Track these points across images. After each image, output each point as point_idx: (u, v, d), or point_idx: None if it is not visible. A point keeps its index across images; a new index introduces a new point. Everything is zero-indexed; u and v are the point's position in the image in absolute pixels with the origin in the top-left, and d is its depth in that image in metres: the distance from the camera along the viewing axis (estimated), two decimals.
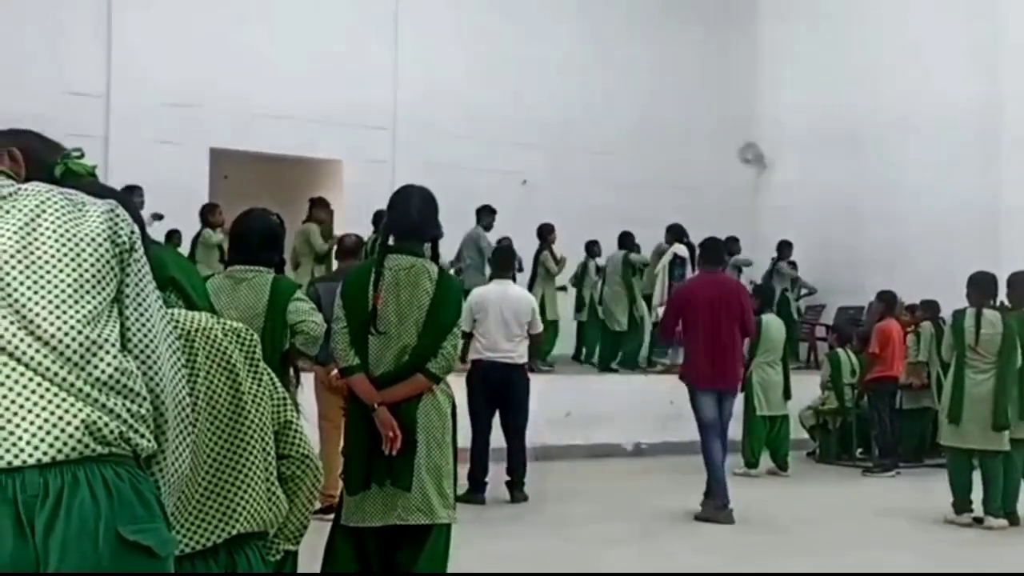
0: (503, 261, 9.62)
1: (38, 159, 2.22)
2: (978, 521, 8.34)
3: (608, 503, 9.26)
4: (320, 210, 13.22)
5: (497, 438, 9.18)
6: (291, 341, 4.57)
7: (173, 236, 13.47)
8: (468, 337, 8.76)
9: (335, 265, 13.14)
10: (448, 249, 11.81)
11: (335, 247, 9.43)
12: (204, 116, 14.23)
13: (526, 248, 14.19)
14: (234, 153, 14.85)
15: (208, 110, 14.25)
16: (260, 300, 4.58)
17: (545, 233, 14.16)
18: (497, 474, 9.14)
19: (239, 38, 14.54)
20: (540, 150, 16.30)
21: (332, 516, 7.31)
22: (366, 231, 13.27)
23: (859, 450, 12.22)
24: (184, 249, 13.00)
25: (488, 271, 12.59)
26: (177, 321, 2.24)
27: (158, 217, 12.37)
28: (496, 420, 9.14)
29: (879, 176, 16.46)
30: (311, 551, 4.69)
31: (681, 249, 13.98)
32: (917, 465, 11.57)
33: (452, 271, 13.00)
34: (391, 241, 4.61)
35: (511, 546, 7.29)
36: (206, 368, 2.24)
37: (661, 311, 13.95)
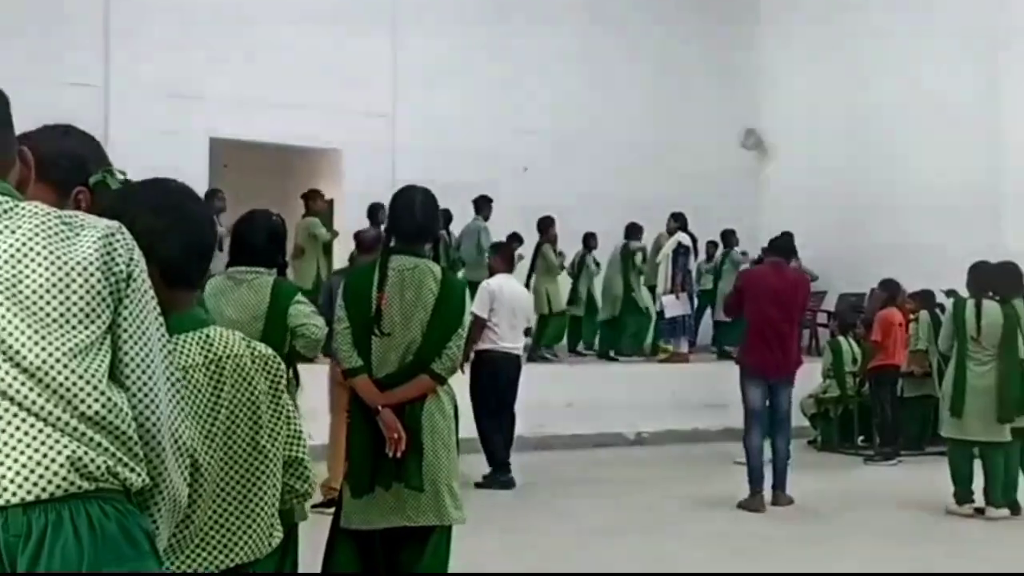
0: (507, 257, 9.86)
1: (80, 163, 2.24)
2: (979, 512, 8.34)
3: (608, 493, 9.27)
4: (315, 202, 13.23)
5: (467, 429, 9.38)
6: (291, 344, 4.57)
7: None
8: (482, 324, 9.03)
9: (336, 257, 13.20)
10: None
11: (354, 242, 9.51)
12: (204, 106, 14.19)
13: (527, 236, 14.18)
14: (234, 142, 14.80)
15: (208, 99, 14.20)
16: (261, 302, 4.57)
17: (545, 227, 14.15)
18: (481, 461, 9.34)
19: (238, 27, 14.48)
20: (541, 137, 16.26)
21: (331, 510, 7.38)
22: (366, 221, 13.28)
23: (860, 438, 12.23)
24: None
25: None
26: (211, 343, 2.21)
27: None
28: None
29: (881, 162, 16.45)
30: (313, 548, 4.72)
31: (684, 238, 13.95)
32: (918, 453, 11.57)
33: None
34: (393, 242, 4.60)
35: (509, 539, 7.28)
36: (229, 398, 2.21)
37: (665, 300, 13.99)
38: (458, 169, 14.86)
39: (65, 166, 2.23)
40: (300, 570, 4.72)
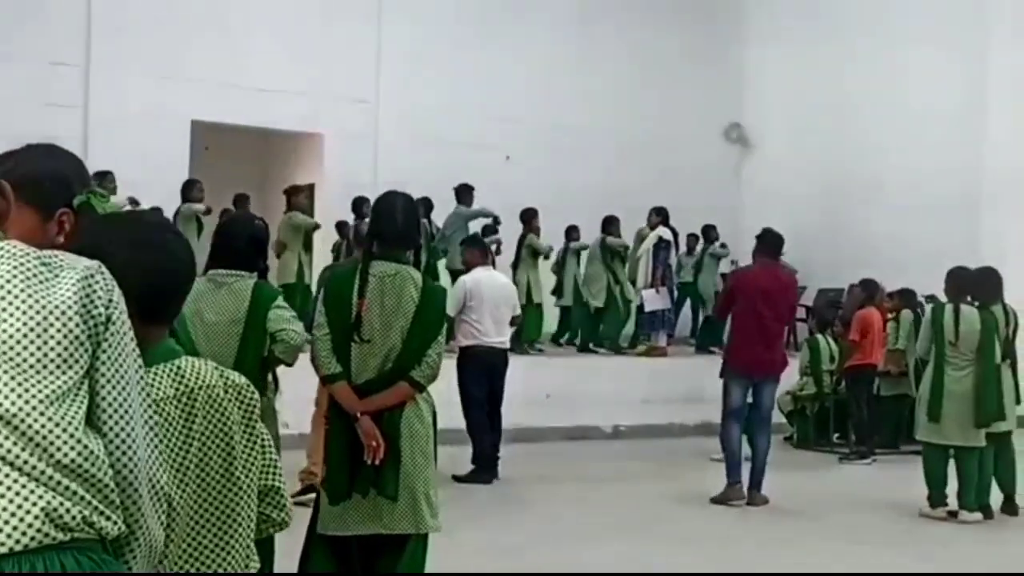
0: (481, 250, 9.82)
1: (64, 184, 2.19)
2: (952, 515, 8.39)
3: (585, 490, 9.27)
4: (298, 197, 13.09)
5: (454, 418, 9.31)
6: (271, 348, 4.54)
7: (155, 211, 13.37)
8: (451, 321, 9.00)
9: (316, 249, 13.13)
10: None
11: (352, 235, 9.42)
12: (185, 88, 14.09)
13: (508, 224, 14.16)
14: (215, 125, 14.72)
15: (189, 81, 14.11)
16: (241, 306, 4.54)
17: (528, 218, 14.12)
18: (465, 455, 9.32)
19: (221, 9, 14.38)
20: (524, 126, 16.23)
21: (310, 497, 7.36)
22: (346, 205, 13.24)
23: (836, 435, 12.28)
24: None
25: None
26: (183, 375, 2.18)
27: (134, 202, 12.15)
28: None
29: (863, 157, 16.51)
30: (289, 554, 4.70)
31: (665, 232, 13.93)
32: (893, 452, 11.64)
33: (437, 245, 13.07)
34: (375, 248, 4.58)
35: (484, 537, 7.25)
36: (202, 430, 2.18)
37: (645, 294, 13.99)
38: (441, 157, 14.83)
39: (48, 187, 2.19)
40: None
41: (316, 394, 7.67)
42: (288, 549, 4.72)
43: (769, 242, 9.01)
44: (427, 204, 13.18)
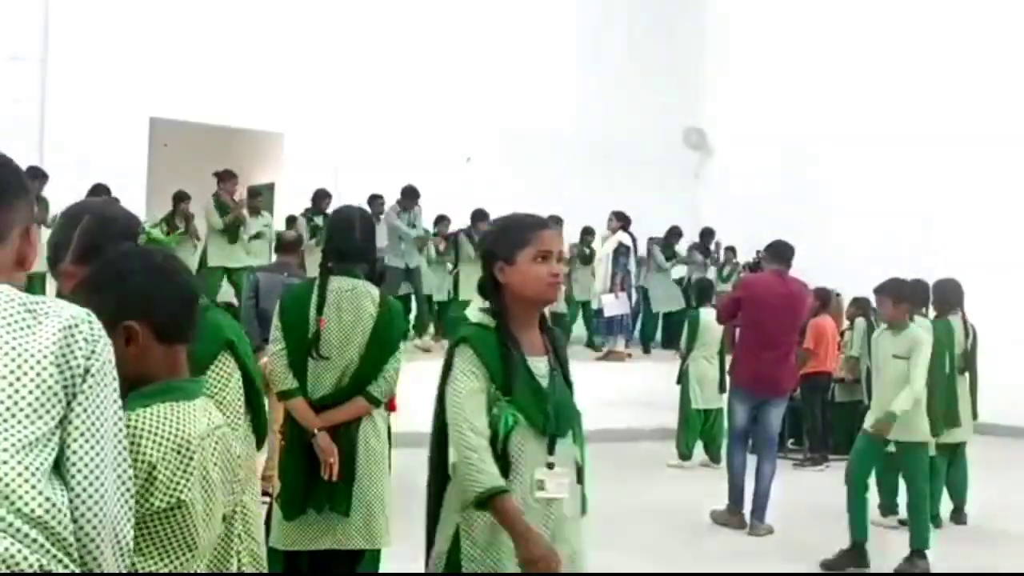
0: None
1: (119, 223, 2.32)
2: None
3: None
4: (225, 183, 12.95)
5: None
6: None
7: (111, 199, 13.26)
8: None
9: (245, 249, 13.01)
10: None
11: (276, 240, 9.17)
12: (144, 84, 13.95)
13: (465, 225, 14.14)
14: (174, 122, 14.59)
15: (148, 78, 13.97)
16: None
17: (474, 219, 13.94)
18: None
19: (181, 5, 14.25)
20: (485, 127, 16.22)
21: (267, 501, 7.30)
22: (306, 203, 13.16)
23: (791, 441, 12.39)
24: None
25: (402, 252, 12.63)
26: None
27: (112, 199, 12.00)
28: None
29: (822, 165, 16.63)
30: None
31: (625, 237, 13.94)
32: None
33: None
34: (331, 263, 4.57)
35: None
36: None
37: (605, 299, 13.99)
38: (402, 157, 14.79)
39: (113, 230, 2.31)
40: None
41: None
42: None
43: (780, 251, 8.47)
44: (379, 203, 13.10)
